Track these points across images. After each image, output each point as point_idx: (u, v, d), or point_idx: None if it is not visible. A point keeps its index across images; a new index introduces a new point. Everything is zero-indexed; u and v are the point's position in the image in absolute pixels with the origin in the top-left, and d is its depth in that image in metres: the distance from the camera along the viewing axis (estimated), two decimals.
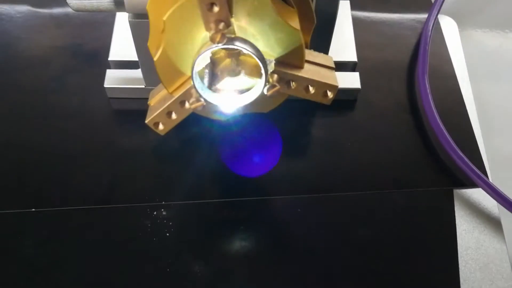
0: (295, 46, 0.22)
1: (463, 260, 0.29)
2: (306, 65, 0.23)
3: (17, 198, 0.30)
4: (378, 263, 0.29)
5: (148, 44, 0.24)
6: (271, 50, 0.22)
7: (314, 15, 0.24)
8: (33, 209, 0.30)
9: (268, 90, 0.23)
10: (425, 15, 0.40)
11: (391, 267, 0.29)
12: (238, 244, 0.29)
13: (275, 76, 0.22)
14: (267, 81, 0.22)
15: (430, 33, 0.38)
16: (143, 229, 0.29)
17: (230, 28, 0.21)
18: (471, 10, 0.44)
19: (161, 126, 0.25)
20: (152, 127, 0.25)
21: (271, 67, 0.22)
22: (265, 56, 0.22)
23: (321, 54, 0.25)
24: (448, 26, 0.40)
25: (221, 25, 0.20)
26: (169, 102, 0.24)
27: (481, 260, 0.29)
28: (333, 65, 0.24)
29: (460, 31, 0.40)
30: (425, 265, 0.29)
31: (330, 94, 0.24)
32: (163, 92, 0.24)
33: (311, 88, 0.24)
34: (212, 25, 0.20)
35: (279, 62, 0.22)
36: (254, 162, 0.30)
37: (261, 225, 0.30)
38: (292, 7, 0.23)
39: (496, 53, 0.41)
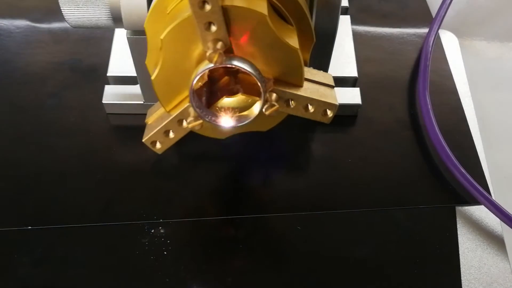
0: (294, 64, 0.22)
1: (466, 280, 0.29)
2: (305, 84, 0.23)
3: (13, 216, 0.30)
4: (378, 281, 0.29)
5: (146, 62, 0.24)
6: (270, 69, 0.22)
7: (313, 33, 0.23)
8: (29, 227, 0.29)
9: (266, 109, 0.22)
10: (425, 30, 0.40)
11: (392, 286, 0.29)
12: (237, 262, 0.29)
13: (274, 95, 0.22)
14: (265, 100, 0.22)
15: (431, 48, 0.38)
16: (141, 247, 0.29)
17: (228, 47, 0.20)
18: (472, 25, 0.44)
19: (158, 145, 0.25)
20: (149, 146, 0.25)
21: (269, 85, 0.22)
22: (264, 75, 0.21)
23: (321, 72, 0.24)
24: (449, 41, 0.40)
25: (219, 44, 0.20)
26: (166, 121, 0.23)
27: (484, 279, 0.29)
28: (332, 83, 0.24)
29: (461, 46, 0.40)
30: (427, 285, 0.29)
31: (329, 113, 0.24)
32: (161, 110, 0.24)
33: (310, 107, 0.23)
34: (210, 44, 0.20)
35: (278, 80, 0.22)
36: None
37: (260, 243, 0.30)
38: (291, 25, 0.22)
39: (498, 68, 0.41)
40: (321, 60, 0.29)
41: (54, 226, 0.29)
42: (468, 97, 0.37)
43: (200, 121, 0.23)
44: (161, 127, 0.24)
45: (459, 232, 0.30)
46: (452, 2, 0.40)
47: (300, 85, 0.23)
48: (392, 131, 0.34)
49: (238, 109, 0.23)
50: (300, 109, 0.23)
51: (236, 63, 0.20)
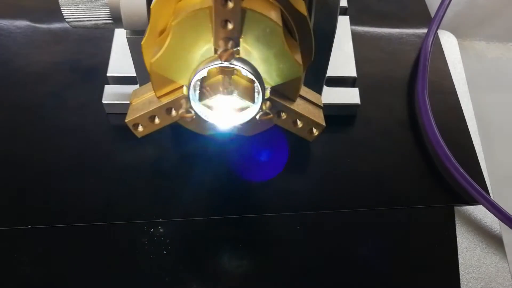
0: (293, 79, 0.22)
1: (465, 279, 0.29)
2: (298, 100, 0.23)
3: (14, 215, 0.30)
4: (377, 281, 0.29)
5: (142, 43, 0.23)
6: (269, 78, 0.22)
7: (313, 52, 0.24)
8: (29, 226, 0.29)
9: (261, 116, 0.22)
10: (424, 30, 0.40)
11: (391, 286, 0.29)
12: (236, 262, 0.29)
13: (268, 103, 0.22)
14: (261, 107, 0.22)
15: (429, 48, 0.38)
16: (140, 247, 0.29)
17: (238, 48, 0.20)
18: (471, 25, 0.44)
19: (140, 128, 0.24)
20: (131, 128, 0.24)
21: (266, 94, 0.22)
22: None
23: (311, 91, 0.25)
24: (448, 41, 0.40)
25: (230, 44, 0.20)
26: (155, 107, 0.23)
27: (482, 278, 0.29)
28: (321, 104, 0.25)
29: (460, 46, 0.40)
30: (426, 284, 0.29)
31: (315, 132, 0.24)
32: (150, 94, 0.24)
33: (299, 122, 0.24)
34: (221, 42, 0.20)
35: (274, 90, 0.22)
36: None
37: (259, 242, 0.30)
38: (296, 40, 0.23)
39: (496, 68, 0.41)
40: (320, 60, 0.29)
41: (54, 225, 0.29)
42: (467, 97, 0.37)
43: (192, 114, 0.23)
44: (147, 112, 0.23)
45: (457, 232, 0.30)
46: (451, 2, 0.40)
47: (293, 100, 0.23)
48: (391, 131, 0.34)
49: (231, 110, 0.23)
50: (288, 123, 0.24)
51: (243, 66, 0.21)
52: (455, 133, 0.34)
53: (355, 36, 0.38)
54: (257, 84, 0.21)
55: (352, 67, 0.35)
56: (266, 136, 0.27)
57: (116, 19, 0.27)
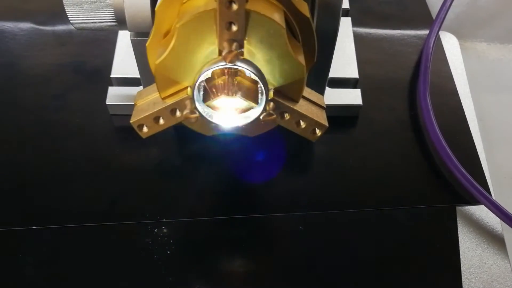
0: (296, 80, 0.22)
1: (467, 279, 0.29)
2: (301, 100, 0.23)
3: (18, 216, 0.30)
4: (379, 281, 0.29)
5: (147, 44, 0.24)
6: (272, 79, 0.22)
7: (316, 53, 0.24)
8: (34, 227, 0.30)
9: (264, 117, 0.23)
10: (426, 32, 0.40)
11: (393, 285, 0.29)
12: (239, 262, 0.29)
13: (272, 104, 0.23)
14: (264, 108, 0.22)
15: (431, 49, 0.38)
16: (144, 247, 0.29)
17: (242, 49, 0.21)
18: (472, 27, 0.44)
19: (145, 129, 0.24)
20: (136, 129, 0.24)
21: (269, 95, 0.22)
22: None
23: (314, 92, 0.25)
24: (449, 42, 0.40)
25: (234, 45, 0.20)
26: (159, 108, 0.23)
27: (484, 278, 0.29)
28: (324, 105, 0.25)
29: (461, 48, 0.40)
30: (428, 284, 0.29)
31: (318, 132, 0.24)
32: (154, 95, 0.24)
33: (302, 123, 0.24)
34: (226, 44, 0.20)
35: (277, 91, 0.22)
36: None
37: (262, 242, 0.30)
38: (298, 42, 0.23)
39: (498, 69, 0.42)
40: (323, 62, 0.29)
41: (58, 226, 0.30)
42: (469, 98, 0.37)
43: (197, 115, 0.23)
44: (152, 113, 0.23)
45: (459, 232, 0.31)
46: (453, 4, 0.40)
47: (296, 101, 0.23)
48: (393, 131, 0.35)
49: (235, 111, 0.23)
50: (292, 123, 0.24)
51: (248, 68, 0.21)
52: (457, 133, 0.34)
53: (357, 38, 0.38)
54: (260, 85, 0.21)
55: (354, 68, 0.35)
56: (268, 136, 0.27)
57: (121, 21, 0.28)
